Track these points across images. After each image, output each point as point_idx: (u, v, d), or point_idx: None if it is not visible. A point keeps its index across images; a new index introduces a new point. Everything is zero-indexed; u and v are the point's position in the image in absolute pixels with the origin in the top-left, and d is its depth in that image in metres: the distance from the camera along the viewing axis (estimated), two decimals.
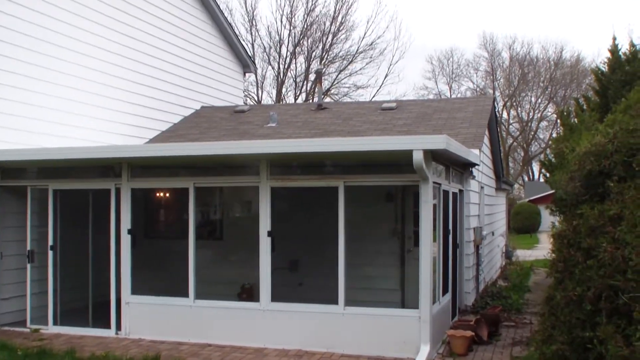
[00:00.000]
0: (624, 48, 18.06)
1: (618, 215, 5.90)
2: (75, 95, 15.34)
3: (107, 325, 11.84)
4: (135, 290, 11.73)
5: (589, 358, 5.83)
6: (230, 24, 22.36)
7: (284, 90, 45.65)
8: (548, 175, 19.49)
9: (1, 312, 12.59)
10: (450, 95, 63.48)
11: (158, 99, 18.30)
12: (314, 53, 45.13)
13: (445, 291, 11.67)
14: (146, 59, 17.80)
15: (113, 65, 16.59)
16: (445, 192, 11.69)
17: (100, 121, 16.07)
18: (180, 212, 12.51)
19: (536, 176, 71.68)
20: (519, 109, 67.82)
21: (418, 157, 9.38)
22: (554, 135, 55.72)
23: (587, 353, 5.82)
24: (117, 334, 11.76)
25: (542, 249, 25.79)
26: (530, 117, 67.03)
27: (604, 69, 18.93)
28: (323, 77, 41.33)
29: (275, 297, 10.96)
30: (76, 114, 15.32)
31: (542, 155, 53.93)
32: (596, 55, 73.73)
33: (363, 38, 46.00)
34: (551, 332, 6.54)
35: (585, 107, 19.84)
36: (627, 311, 5.30)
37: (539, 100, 66.12)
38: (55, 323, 12.17)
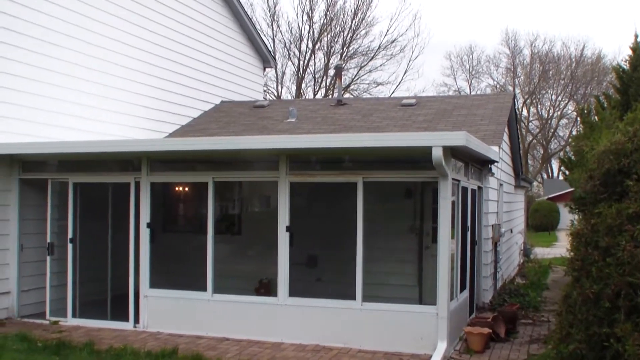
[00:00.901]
0: None
1: (637, 213, 5.88)
2: (96, 89, 15.42)
3: (126, 318, 11.91)
4: (153, 284, 11.80)
5: (606, 357, 5.81)
6: (251, 19, 22.39)
7: (303, 85, 45.69)
8: (567, 173, 19.43)
9: (21, 304, 12.71)
10: (470, 92, 63.24)
11: (178, 93, 18.36)
12: (333, 49, 45.12)
13: (462, 288, 11.64)
14: (167, 53, 17.86)
15: (133, 60, 16.66)
16: (464, 189, 11.66)
17: (120, 115, 16.14)
18: (199, 207, 12.56)
19: (555, 174, 71.38)
20: (539, 106, 67.47)
21: (437, 153, 9.36)
22: (574, 133, 55.49)
23: (605, 351, 5.80)
24: (135, 327, 11.83)
25: (561, 246, 25.66)
26: (550, 114, 66.63)
27: (625, 66, 18.81)
28: (343, 73, 41.28)
29: (293, 292, 10.99)
30: (96, 108, 15.40)
31: (561, 153, 53.64)
32: (617, 53, 73.21)
33: (385, 35, 45.93)
34: (569, 330, 6.52)
35: (605, 104, 19.73)
36: None
37: (560, 97, 65.72)
38: (74, 315, 12.27)
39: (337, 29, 44.80)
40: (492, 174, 14.24)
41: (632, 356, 5.13)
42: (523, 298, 14.49)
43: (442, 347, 9.78)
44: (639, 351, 5.05)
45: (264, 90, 33.17)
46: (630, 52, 18.59)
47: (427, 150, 9.46)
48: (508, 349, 10.56)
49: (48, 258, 12.56)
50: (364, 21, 44.89)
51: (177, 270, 12.77)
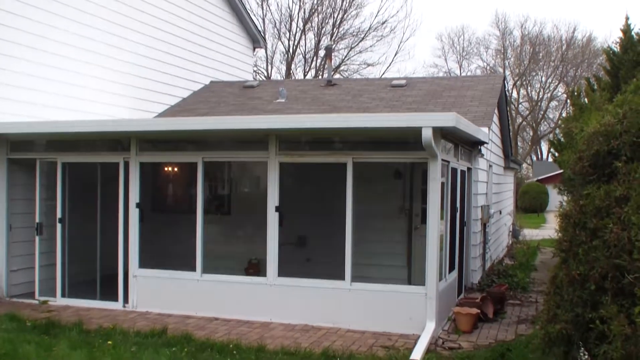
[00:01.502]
0: (637, 28, 17.96)
1: (624, 196, 5.88)
2: (85, 69, 15.34)
3: (115, 298, 11.91)
4: (143, 264, 11.79)
5: (591, 337, 5.85)
6: None
7: (293, 66, 45.55)
8: (557, 155, 19.45)
9: (10, 284, 12.68)
10: (460, 74, 63.20)
11: (167, 73, 18.28)
12: (323, 29, 44.98)
13: (451, 269, 11.69)
14: (156, 33, 17.75)
15: (123, 39, 16.56)
16: (454, 170, 11.68)
17: (109, 95, 16.06)
18: (189, 187, 12.55)
19: (545, 156, 71.55)
20: (529, 88, 67.53)
21: (427, 134, 9.36)
22: (564, 115, 55.51)
23: (590, 332, 5.84)
24: (124, 306, 11.84)
25: (549, 228, 25.75)
26: (540, 96, 66.69)
27: (615, 49, 18.81)
28: (333, 54, 41.17)
29: (282, 272, 11.00)
30: (85, 88, 15.33)
31: (551, 135, 53.76)
32: (608, 36, 73.39)
33: (376, 16, 45.88)
34: (556, 311, 6.55)
35: (596, 87, 19.75)
36: (632, 291, 5.31)
37: (550, 79, 65.76)
38: (63, 295, 12.25)
39: (328, 9, 44.66)
40: (482, 155, 14.26)
41: (617, 336, 5.16)
42: (511, 279, 14.56)
43: (430, 327, 9.82)
44: (624, 332, 5.07)
45: (254, 71, 33.09)
46: (620, 35, 18.58)
47: (417, 131, 9.45)
48: (496, 329, 10.63)
49: (37, 238, 12.52)
50: (354, 2, 44.75)
51: (166, 250, 12.77)
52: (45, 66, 14.16)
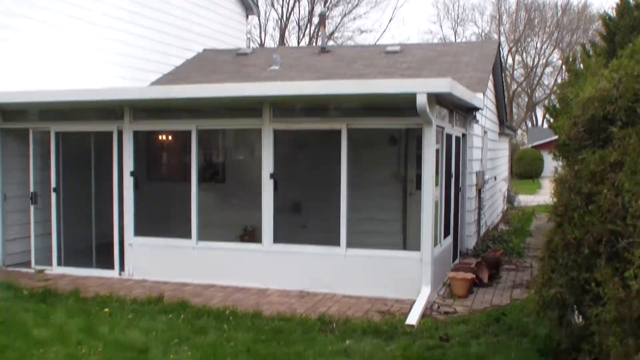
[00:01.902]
0: None
1: (619, 161, 5.87)
2: (77, 37, 15.22)
3: (111, 266, 11.94)
4: (138, 232, 11.80)
5: (585, 300, 5.88)
6: None
7: (287, 33, 45.32)
8: (552, 120, 19.46)
9: (6, 253, 12.71)
10: (455, 40, 62.90)
11: (161, 41, 18.15)
12: None
13: (446, 234, 11.72)
14: (149, 0, 17.59)
15: (116, 8, 16.42)
16: (449, 136, 11.66)
17: (102, 64, 15.96)
18: (183, 155, 12.52)
19: (540, 122, 71.54)
20: (524, 54, 67.28)
21: (422, 100, 9.32)
22: (559, 81, 55.48)
23: (585, 295, 5.87)
24: (120, 274, 11.87)
25: (544, 194, 25.81)
26: (535, 62, 66.48)
27: (612, 14, 18.75)
28: (326, 21, 40.90)
29: (278, 238, 11.02)
30: (77, 56, 15.22)
31: (546, 101, 53.68)
32: (604, 2, 72.89)
33: None
34: (550, 275, 6.58)
35: (591, 52, 19.72)
36: (625, 255, 5.32)
37: (545, 46, 65.51)
38: (59, 264, 12.27)
39: None
40: (477, 122, 14.24)
41: (611, 299, 5.19)
42: (506, 244, 14.63)
43: (425, 292, 9.87)
44: (618, 295, 5.10)
45: (247, 39, 32.85)
46: (617, 0, 18.51)
47: (412, 97, 9.41)
48: (491, 294, 10.69)
49: (32, 207, 12.51)
50: None
51: (161, 218, 12.78)
52: (39, 35, 14.04)
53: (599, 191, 5.85)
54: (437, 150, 10.56)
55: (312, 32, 45.36)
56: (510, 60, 65.23)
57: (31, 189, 12.51)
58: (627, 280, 5.01)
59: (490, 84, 15.98)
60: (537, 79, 67.24)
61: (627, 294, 5.03)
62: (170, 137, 13.41)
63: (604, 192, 5.73)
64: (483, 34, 65.05)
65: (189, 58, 19.43)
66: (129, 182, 11.75)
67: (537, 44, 65.93)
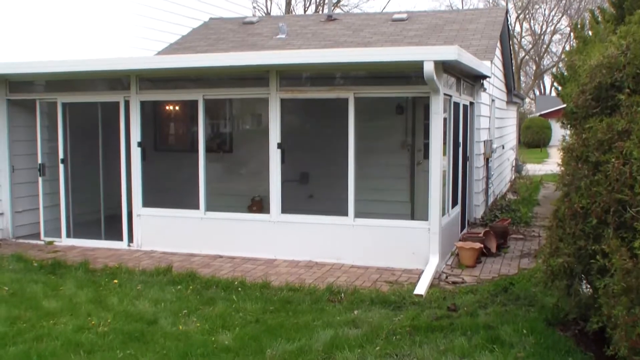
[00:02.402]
0: None
1: (626, 129, 5.83)
2: (83, 6, 15.13)
3: (120, 238, 11.97)
4: (146, 203, 11.81)
5: (593, 269, 5.87)
6: None
7: (293, 1, 44.94)
8: (560, 88, 19.32)
9: (15, 225, 12.75)
10: (462, 7, 62.36)
11: (166, 10, 18.03)
12: None
13: (454, 204, 11.70)
14: None
15: None
16: (456, 105, 11.59)
17: (108, 33, 15.87)
18: (190, 125, 12.52)
19: (548, 90, 71.13)
20: (532, 21, 66.69)
21: (429, 68, 9.26)
22: (567, 48, 55.00)
23: (592, 265, 5.86)
24: (129, 246, 11.91)
25: (552, 163, 25.72)
26: (543, 30, 65.90)
27: None
28: None
29: (286, 209, 11.03)
30: (84, 26, 15.15)
31: (554, 69, 53.28)
32: None
33: None
34: (558, 244, 6.57)
35: (600, 19, 19.49)
36: (633, 225, 5.31)
37: (553, 13, 64.86)
38: (68, 235, 12.32)
39: None
40: (484, 90, 14.15)
41: (618, 270, 5.18)
42: (514, 213, 14.61)
43: (434, 261, 9.88)
44: (625, 265, 5.09)
45: (253, 7, 32.62)
46: None
47: (419, 65, 9.34)
48: (499, 264, 10.69)
49: (40, 179, 12.53)
50: None
51: (169, 189, 12.80)
52: (44, 5, 13.96)
53: (606, 160, 5.82)
54: (445, 119, 10.51)
55: (318, 0, 45.04)
56: (518, 28, 64.71)
57: (39, 161, 12.52)
58: (634, 250, 5.00)
59: (497, 52, 15.86)
60: (545, 46, 66.71)
61: (634, 264, 5.02)
62: (177, 107, 13.39)
63: (611, 161, 5.70)
64: (491, 1, 64.44)
65: (195, 27, 19.33)
66: (136, 153, 11.75)
67: (545, 10, 65.40)
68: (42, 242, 12.30)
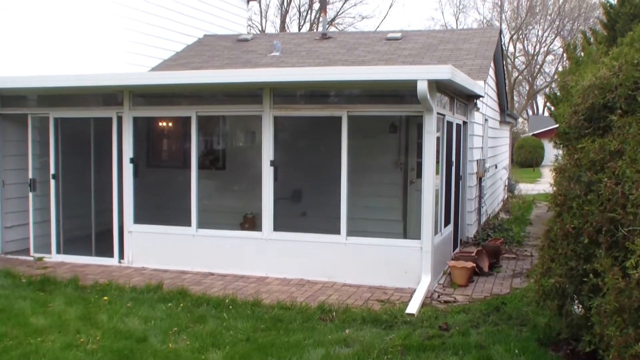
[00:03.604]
0: None
1: (619, 150, 5.83)
2: (77, 22, 15.12)
3: (110, 254, 11.90)
4: (138, 219, 11.76)
5: (584, 290, 5.85)
6: None
7: (287, 19, 45.19)
8: (553, 108, 19.37)
9: (4, 241, 12.67)
10: (457, 27, 62.70)
11: (161, 26, 18.04)
12: None
13: (447, 223, 11.68)
14: None
15: None
16: (449, 124, 11.60)
17: (102, 49, 15.87)
18: (183, 142, 12.47)
19: (541, 110, 71.41)
20: (526, 42, 67.05)
21: (422, 87, 9.26)
22: (560, 69, 55.26)
23: (584, 285, 5.84)
24: (120, 262, 11.84)
25: (545, 183, 25.78)
26: (537, 50, 66.29)
27: (612, 1, 18.63)
28: (327, 7, 40.77)
29: (278, 226, 10.99)
30: (78, 41, 15.13)
31: (547, 89, 53.58)
32: None
33: None
34: (550, 264, 6.56)
35: (592, 40, 19.61)
36: (626, 244, 5.29)
37: (546, 33, 65.29)
38: (58, 251, 12.24)
39: None
40: (478, 109, 14.18)
41: (610, 289, 5.16)
42: (507, 233, 14.60)
43: (426, 280, 9.84)
44: (618, 284, 5.07)
45: (248, 25, 32.73)
46: None
47: (412, 84, 9.35)
48: (491, 283, 10.66)
49: (30, 194, 12.46)
50: None
51: (161, 205, 12.74)
52: (38, 20, 13.95)
53: (598, 180, 5.82)
54: (438, 138, 10.51)
55: (313, 18, 45.26)
56: (511, 48, 65.07)
57: (30, 176, 12.46)
58: (627, 269, 4.98)
59: (491, 72, 15.91)
60: (538, 66, 67.07)
61: (627, 284, 5.00)
62: (170, 124, 13.35)
63: (604, 181, 5.69)
64: (485, 21, 64.85)
65: (189, 44, 19.35)
66: (128, 169, 11.70)
67: (538, 31, 65.76)
68: (32, 258, 12.21)
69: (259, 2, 42.10)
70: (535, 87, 68.12)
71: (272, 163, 10.88)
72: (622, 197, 5.44)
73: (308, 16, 45.58)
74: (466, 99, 13.21)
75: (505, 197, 22.72)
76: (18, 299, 9.20)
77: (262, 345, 7.34)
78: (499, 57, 17.49)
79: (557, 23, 63.74)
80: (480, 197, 15.35)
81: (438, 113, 10.27)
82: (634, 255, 4.90)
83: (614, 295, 5.09)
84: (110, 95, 11.92)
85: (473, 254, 11.25)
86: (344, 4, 45.47)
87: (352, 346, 7.33)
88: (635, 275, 4.83)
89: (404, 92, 10.17)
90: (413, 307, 8.81)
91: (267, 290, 9.97)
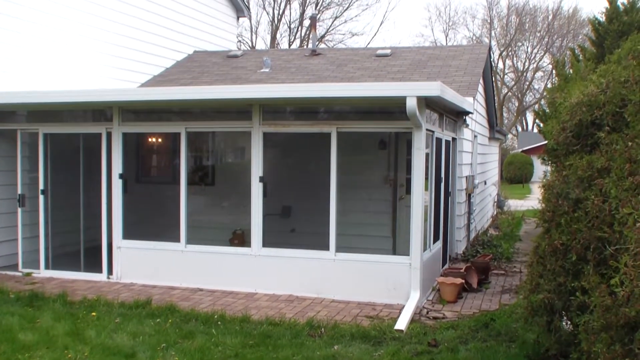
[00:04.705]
0: None
1: (606, 167, 5.87)
2: (67, 38, 15.14)
3: (99, 270, 11.87)
4: (126, 235, 11.73)
5: (573, 306, 5.87)
6: None
7: (278, 36, 45.32)
8: (542, 125, 19.49)
9: None
10: (446, 43, 63.01)
11: (150, 42, 18.07)
12: None
13: (436, 239, 11.70)
14: (138, 1, 17.53)
15: (105, 8, 16.34)
16: (438, 140, 11.65)
17: (91, 65, 15.89)
18: (172, 158, 12.48)
19: (530, 127, 71.71)
20: (515, 58, 67.46)
21: (411, 103, 9.31)
22: (549, 86, 55.57)
23: (572, 301, 5.86)
24: (108, 278, 11.80)
25: (534, 199, 25.90)
26: (526, 67, 66.68)
27: (601, 19, 18.80)
28: (318, 24, 40.95)
29: (267, 242, 10.99)
30: (67, 57, 15.15)
31: (536, 106, 53.79)
32: (594, 7, 73.12)
33: None
34: (538, 280, 6.58)
35: (581, 57, 19.77)
36: (610, 262, 5.32)
37: (535, 50, 65.71)
38: (47, 267, 12.20)
39: None
40: (467, 126, 14.24)
41: (598, 307, 5.18)
42: (496, 249, 14.63)
43: (415, 297, 9.85)
44: (605, 302, 5.09)
45: (238, 41, 32.82)
46: (606, 5, 18.56)
47: (401, 101, 9.40)
48: (480, 299, 10.67)
49: (19, 210, 12.43)
50: None
51: (150, 221, 12.73)
52: (27, 36, 13.97)
53: (586, 197, 5.85)
54: (427, 155, 10.55)
55: (303, 34, 45.42)
56: (501, 65, 65.45)
57: (19, 191, 12.43)
58: (613, 287, 5.01)
59: (480, 88, 16.00)
60: (527, 83, 67.45)
61: (613, 301, 5.02)
62: (159, 139, 13.36)
63: (591, 198, 5.72)
64: (474, 38, 65.21)
65: (179, 60, 19.38)
66: (117, 185, 11.69)
67: (527, 48, 66.20)
68: (20, 274, 12.16)
69: (249, 18, 42.25)
70: (524, 103, 68.46)
71: (262, 179, 10.90)
72: (608, 215, 5.47)
73: (298, 33, 45.79)
74: (455, 116, 13.27)
75: (495, 213, 22.78)
76: (6, 314, 9.16)
77: None
78: (488, 73, 17.58)
79: (547, 40, 64.19)
80: (470, 213, 15.40)
81: (427, 129, 10.32)
82: (619, 273, 4.92)
83: (601, 312, 5.11)
84: (100, 111, 11.93)
85: (462, 270, 11.27)
86: (334, 21, 45.74)
87: None
88: (621, 292, 4.85)
89: (393, 108, 10.22)
90: (402, 323, 8.81)
91: (256, 306, 9.96)
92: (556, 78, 20.15)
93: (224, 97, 10.83)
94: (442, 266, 12.42)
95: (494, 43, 62.66)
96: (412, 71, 16.25)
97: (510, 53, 66.49)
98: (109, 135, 11.72)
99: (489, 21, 65.72)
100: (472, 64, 16.30)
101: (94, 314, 9.25)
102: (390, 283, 10.19)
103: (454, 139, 13.49)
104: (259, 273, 10.92)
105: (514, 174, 47.32)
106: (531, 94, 68.38)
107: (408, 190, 10.64)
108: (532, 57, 66.04)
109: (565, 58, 23.73)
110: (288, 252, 10.90)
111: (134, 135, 12.24)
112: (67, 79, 14.93)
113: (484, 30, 66.36)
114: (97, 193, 11.87)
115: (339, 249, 10.61)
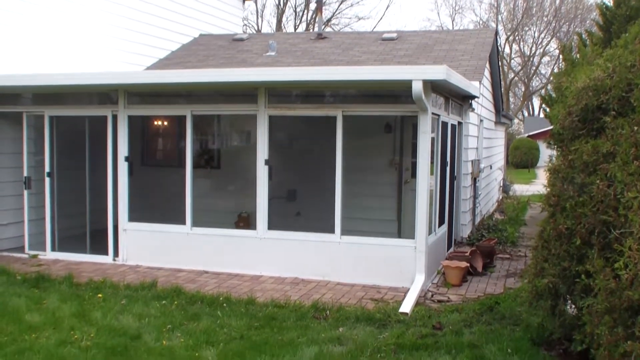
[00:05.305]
0: None
1: (611, 151, 5.86)
2: (72, 21, 15.13)
3: (105, 252, 11.92)
4: (132, 218, 11.77)
5: (577, 290, 5.89)
6: None
7: (284, 19, 45.16)
8: (548, 110, 19.43)
9: (0, 238, 12.65)
10: (452, 28, 62.76)
11: (156, 26, 18.05)
12: None
13: (441, 223, 11.71)
14: None
15: None
16: (444, 124, 11.63)
17: (98, 48, 15.88)
18: (178, 141, 12.48)
19: (536, 111, 71.47)
20: (522, 43, 67.11)
21: (417, 87, 9.29)
22: (556, 70, 55.34)
23: (576, 285, 5.88)
24: (114, 260, 11.85)
25: (540, 184, 25.84)
26: (533, 52, 66.36)
27: (608, 3, 18.69)
28: (324, 7, 40.79)
29: (272, 225, 11.01)
30: (73, 40, 15.14)
31: (542, 91, 53.60)
32: None
33: None
34: (543, 265, 6.59)
35: (588, 42, 19.67)
36: (614, 246, 5.32)
37: (542, 35, 65.34)
38: (53, 249, 12.25)
39: None
40: (473, 110, 14.21)
41: (602, 290, 5.19)
42: (501, 233, 14.63)
43: (419, 280, 9.87)
44: (609, 285, 5.11)
45: (244, 24, 32.75)
46: None
47: (407, 84, 9.38)
48: (485, 283, 10.69)
49: (25, 192, 12.46)
50: None
51: (156, 204, 12.76)
52: (33, 18, 13.96)
53: (591, 181, 5.85)
54: (433, 138, 10.54)
55: (309, 18, 45.28)
56: (507, 49, 65.11)
57: (25, 174, 12.46)
58: (617, 270, 5.02)
59: (486, 73, 15.95)
60: (534, 68, 67.15)
61: (617, 284, 5.04)
62: (165, 122, 13.36)
63: (596, 183, 5.72)
64: (481, 22, 64.91)
65: (185, 43, 19.36)
66: (123, 168, 11.72)
67: (534, 33, 65.83)
68: (27, 256, 12.22)
69: (255, 2, 42.17)
70: (531, 88, 68.21)
71: (267, 162, 10.91)
72: (613, 199, 5.47)
73: (304, 16, 45.67)
74: (461, 100, 13.24)
75: (500, 197, 22.76)
76: (13, 296, 9.21)
77: (255, 343, 7.36)
78: (495, 58, 17.53)
79: (554, 24, 63.81)
80: (475, 197, 15.39)
81: (433, 113, 10.31)
82: (623, 256, 4.93)
83: (605, 295, 5.12)
84: (106, 94, 11.94)
85: (467, 254, 11.28)
86: (340, 4, 45.55)
87: (346, 344, 7.36)
88: (625, 275, 4.87)
89: (399, 92, 10.21)
90: (407, 306, 8.83)
91: (261, 289, 9.99)
92: (563, 63, 20.06)
93: (230, 80, 10.82)
94: (447, 250, 12.44)
95: (500, 27, 62.37)
96: (418, 55, 16.21)
97: (517, 38, 66.18)
98: (114, 118, 11.73)
99: (495, 5, 65.37)
100: (479, 48, 16.25)
101: (100, 295, 9.30)
102: (396, 266, 10.20)
103: (459, 123, 13.46)
104: (265, 256, 10.95)
105: (520, 159, 47.26)
106: (538, 78, 68.15)
107: (413, 174, 10.65)
108: (539, 42, 65.76)
109: (572, 43, 23.61)
110: (293, 234, 10.92)
111: (140, 118, 12.24)
112: (73, 61, 14.93)
113: (491, 15, 66.08)
114: (102, 176, 11.89)
115: (344, 232, 10.62)
